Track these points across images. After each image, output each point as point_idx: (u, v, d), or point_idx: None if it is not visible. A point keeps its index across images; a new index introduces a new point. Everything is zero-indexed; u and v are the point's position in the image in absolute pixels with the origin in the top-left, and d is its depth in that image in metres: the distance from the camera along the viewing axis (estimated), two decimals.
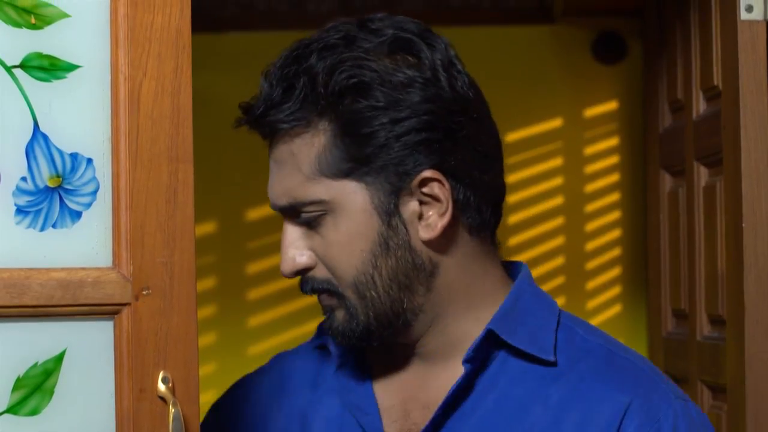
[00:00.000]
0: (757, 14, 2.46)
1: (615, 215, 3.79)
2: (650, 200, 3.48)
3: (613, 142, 3.79)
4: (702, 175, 2.93)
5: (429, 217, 1.35)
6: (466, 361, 1.35)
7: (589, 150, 3.79)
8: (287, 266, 1.37)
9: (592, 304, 3.77)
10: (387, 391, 1.41)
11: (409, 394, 1.40)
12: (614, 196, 3.79)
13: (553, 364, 1.36)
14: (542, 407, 1.33)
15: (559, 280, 3.77)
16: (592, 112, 3.79)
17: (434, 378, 1.39)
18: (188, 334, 1.33)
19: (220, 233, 3.59)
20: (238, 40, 3.68)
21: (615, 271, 3.78)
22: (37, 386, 1.28)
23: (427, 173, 1.33)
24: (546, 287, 3.75)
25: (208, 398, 3.90)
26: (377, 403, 1.41)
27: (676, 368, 3.22)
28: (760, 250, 2.44)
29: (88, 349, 1.31)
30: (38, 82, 1.29)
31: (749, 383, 2.44)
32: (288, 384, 1.51)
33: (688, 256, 3.04)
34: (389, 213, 1.34)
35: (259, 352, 3.59)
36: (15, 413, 1.28)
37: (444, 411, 1.35)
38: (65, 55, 1.29)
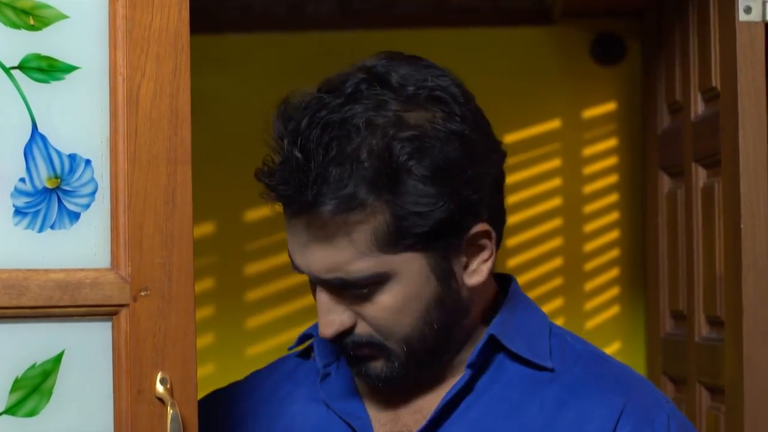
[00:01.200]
0: (755, 15, 2.46)
1: (613, 216, 3.79)
2: (649, 201, 3.48)
3: (611, 143, 3.79)
4: (700, 176, 2.93)
5: (475, 263, 1.34)
6: (469, 366, 1.35)
7: (588, 151, 3.79)
8: (331, 330, 1.32)
9: (590, 305, 3.77)
10: (373, 398, 1.40)
11: (398, 403, 1.39)
12: (613, 197, 3.79)
13: (550, 369, 1.36)
14: (538, 408, 1.33)
15: (557, 281, 3.77)
16: (590, 113, 3.79)
17: (425, 383, 1.37)
18: (186, 335, 1.32)
19: (218, 234, 3.59)
20: (237, 42, 3.69)
21: (613, 272, 3.78)
22: (35, 387, 1.28)
23: (479, 228, 1.32)
24: (544, 288, 3.76)
25: None
26: (365, 407, 1.40)
27: (675, 369, 3.22)
28: (758, 251, 2.44)
29: (87, 350, 1.30)
30: (37, 83, 1.29)
31: (747, 384, 2.44)
32: (262, 396, 1.50)
33: (686, 257, 3.05)
34: (446, 274, 1.32)
35: (258, 353, 3.59)
36: (13, 414, 1.28)
37: (441, 413, 1.35)
38: (64, 57, 1.29)
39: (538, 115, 3.78)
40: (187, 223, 1.32)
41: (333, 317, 1.32)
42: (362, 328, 1.33)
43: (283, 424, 1.44)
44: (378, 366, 1.34)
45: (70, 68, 1.30)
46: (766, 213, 2.45)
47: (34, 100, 1.28)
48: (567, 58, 3.77)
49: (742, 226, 2.45)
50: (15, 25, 1.28)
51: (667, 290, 3.29)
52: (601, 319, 3.77)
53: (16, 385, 1.28)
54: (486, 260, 1.34)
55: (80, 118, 1.29)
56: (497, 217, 1.36)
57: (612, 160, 3.79)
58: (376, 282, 1.29)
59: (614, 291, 3.78)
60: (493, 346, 1.36)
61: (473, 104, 1.39)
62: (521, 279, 3.73)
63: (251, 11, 3.78)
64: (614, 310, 3.77)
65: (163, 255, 1.31)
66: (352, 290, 1.30)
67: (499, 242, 1.37)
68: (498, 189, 1.37)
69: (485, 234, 1.33)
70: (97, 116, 1.30)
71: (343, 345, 1.35)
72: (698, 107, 2.95)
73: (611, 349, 3.76)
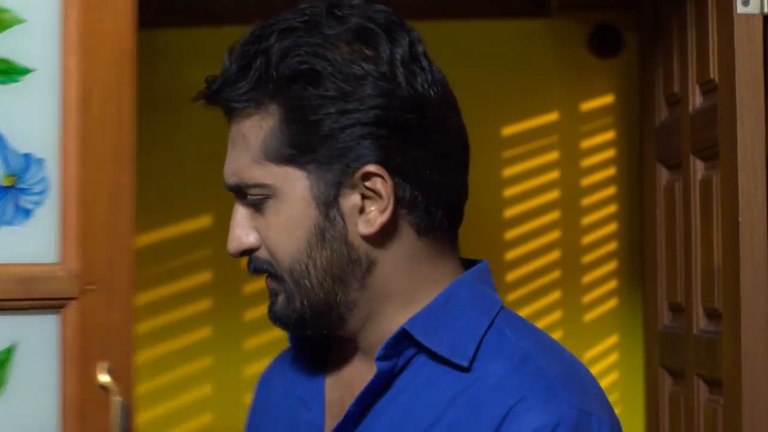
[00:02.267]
0: (753, 8, 2.46)
1: (611, 209, 3.78)
2: (646, 194, 3.48)
3: (609, 135, 3.79)
4: (698, 168, 2.93)
5: (370, 212, 1.31)
6: (378, 359, 1.32)
7: (586, 144, 3.79)
8: (233, 245, 1.35)
9: (588, 298, 3.77)
10: (333, 385, 1.40)
11: (348, 389, 1.38)
12: (610, 190, 3.79)
13: (466, 369, 1.30)
14: (449, 407, 1.29)
15: (555, 274, 3.77)
16: (588, 105, 3.79)
17: (369, 374, 1.34)
18: (127, 326, 1.40)
19: (215, 227, 3.59)
20: (233, 34, 3.67)
21: (611, 265, 3.78)
22: None
23: (370, 168, 1.30)
24: (542, 281, 3.76)
25: (205, 391, 3.89)
26: (324, 397, 1.40)
27: (673, 362, 3.22)
28: (756, 243, 2.44)
29: (38, 342, 1.36)
30: None
31: (745, 376, 2.44)
32: (270, 375, 1.53)
33: (684, 250, 3.04)
34: (327, 204, 1.31)
35: (255, 346, 3.59)
36: None
37: (359, 408, 1.33)
38: (20, 59, 1.30)
39: (536, 107, 3.78)
40: (131, 221, 1.38)
41: (239, 232, 1.35)
42: (262, 253, 1.35)
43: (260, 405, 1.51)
44: (279, 302, 1.35)
45: (25, 71, 1.31)
46: (764, 205, 2.45)
47: None
48: (564, 50, 3.77)
49: (740, 218, 2.44)
50: None
51: (665, 283, 3.29)
52: (599, 312, 3.77)
53: None
54: (382, 211, 1.31)
55: (34, 119, 1.32)
56: (415, 177, 1.32)
57: (610, 153, 3.79)
58: (266, 195, 1.32)
59: (612, 284, 3.78)
60: (412, 341, 1.33)
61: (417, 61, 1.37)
62: (518, 272, 3.76)
63: (247, 3, 3.78)
64: (612, 302, 3.77)
65: (110, 251, 1.37)
66: (249, 201, 1.33)
67: (433, 215, 1.34)
68: (430, 154, 1.33)
69: (380, 179, 1.30)
70: (50, 118, 1.34)
71: (249, 271, 1.38)
72: (696, 99, 2.95)
73: (609, 342, 3.76)
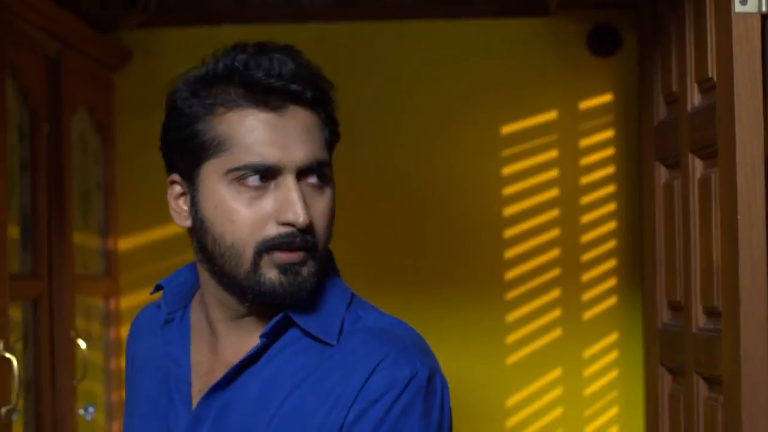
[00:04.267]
0: (751, 7, 2.46)
1: (610, 207, 3.79)
2: (645, 192, 3.48)
3: (608, 134, 3.79)
4: (697, 167, 2.93)
5: None
6: (262, 335, 1.56)
7: (584, 142, 3.79)
8: (306, 216, 1.52)
9: (587, 296, 3.77)
10: (199, 349, 1.63)
11: (216, 354, 1.61)
12: (609, 189, 3.79)
13: (332, 345, 1.56)
14: (315, 370, 1.55)
15: (554, 273, 3.77)
16: (587, 104, 3.79)
17: (242, 343, 1.59)
18: None
19: None
20: (233, 34, 3.68)
21: (610, 263, 3.78)
22: None
23: None
24: (541, 279, 3.76)
25: None
26: (190, 357, 1.63)
27: (672, 360, 3.22)
28: (755, 242, 2.45)
29: None
30: None
31: (745, 375, 2.45)
32: (137, 331, 1.77)
33: (683, 248, 3.05)
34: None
35: None
36: None
37: (236, 370, 1.56)
38: None
39: (535, 106, 3.78)
40: None
41: (305, 207, 1.52)
42: (310, 228, 1.54)
43: (138, 357, 1.73)
44: (306, 273, 1.54)
45: None
46: (763, 203, 2.45)
47: None
48: (563, 49, 3.77)
49: (738, 216, 2.45)
50: None
51: (664, 281, 3.30)
52: (599, 310, 3.77)
53: None
54: None
55: None
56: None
57: (608, 152, 3.79)
58: (326, 177, 1.57)
59: (611, 282, 3.78)
60: (290, 321, 1.57)
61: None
62: (518, 270, 3.77)
63: (247, 3, 3.78)
64: (611, 301, 3.78)
65: None
66: (320, 180, 1.55)
67: None
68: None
69: None
70: None
71: (281, 247, 1.53)
72: (694, 98, 2.95)
73: (609, 340, 3.77)
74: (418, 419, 1.52)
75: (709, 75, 2.77)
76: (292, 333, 1.58)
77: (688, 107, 2.98)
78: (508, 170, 3.77)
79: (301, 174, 1.53)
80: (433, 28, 3.75)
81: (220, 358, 1.60)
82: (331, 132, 1.58)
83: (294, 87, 1.52)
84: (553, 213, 3.79)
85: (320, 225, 1.55)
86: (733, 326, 2.49)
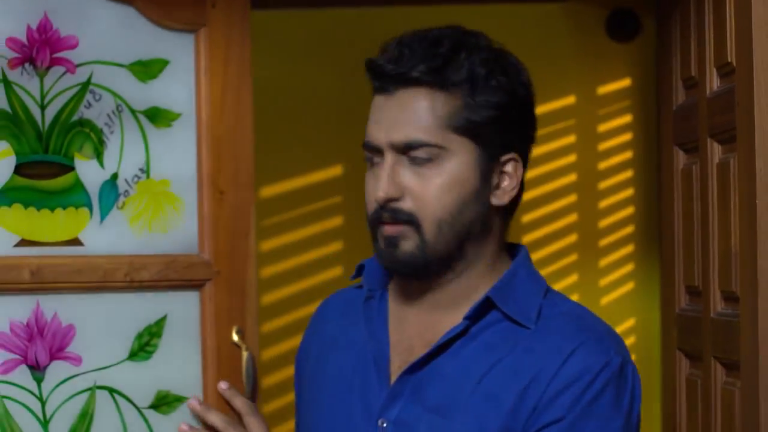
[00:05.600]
0: None
1: (628, 192, 3.79)
2: (663, 177, 3.47)
3: (626, 119, 3.79)
4: (715, 152, 2.93)
5: (502, 187, 1.67)
6: (466, 318, 1.64)
7: (603, 127, 3.79)
8: (383, 194, 1.61)
9: (605, 281, 3.77)
10: (398, 327, 1.70)
11: (415, 332, 1.68)
12: (627, 174, 3.79)
13: (529, 328, 1.64)
14: (510, 351, 1.62)
15: (572, 258, 3.78)
16: (605, 89, 3.79)
17: (438, 322, 1.66)
18: (252, 299, 2.07)
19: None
20: (261, 18, 3.68)
21: (628, 248, 3.78)
22: (150, 338, 1.99)
23: (512, 155, 1.70)
24: (559, 264, 3.76)
25: None
26: (389, 335, 1.70)
27: (690, 345, 3.22)
28: None
29: (183, 313, 2.01)
30: None
31: (763, 359, 2.44)
32: (323, 315, 1.85)
33: (701, 233, 3.04)
34: (485, 174, 1.64)
35: (272, 329, 3.60)
36: (133, 359, 1.99)
37: (438, 349, 1.64)
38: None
39: (553, 91, 3.78)
40: (251, 225, 2.05)
41: (387, 184, 1.61)
42: (407, 204, 1.62)
43: (330, 336, 1.80)
44: (407, 247, 1.62)
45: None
46: None
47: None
48: (582, 34, 3.76)
49: (757, 201, 2.44)
50: None
51: (682, 266, 3.29)
52: (616, 295, 3.77)
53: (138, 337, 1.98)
54: (510, 190, 1.67)
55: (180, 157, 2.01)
56: (525, 167, 1.73)
57: (627, 137, 3.79)
58: (433, 156, 1.61)
59: (629, 267, 3.78)
60: (490, 304, 1.65)
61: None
62: (536, 255, 3.76)
63: None
64: (629, 286, 3.78)
65: (234, 248, 2.02)
66: (411, 157, 1.62)
67: (520, 193, 1.71)
68: (532, 139, 1.81)
69: (515, 164, 1.70)
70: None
71: (382, 220, 1.63)
72: (713, 83, 2.95)
73: (626, 325, 3.77)
74: (608, 406, 1.59)
75: (729, 59, 2.77)
76: (492, 315, 1.65)
77: (707, 92, 2.98)
78: None
79: (404, 151, 1.62)
80: (451, 12, 3.74)
81: (419, 336, 1.67)
82: (461, 108, 1.63)
83: (397, 69, 1.62)
84: (571, 198, 3.79)
85: (425, 200, 1.61)
86: (751, 311, 2.49)
